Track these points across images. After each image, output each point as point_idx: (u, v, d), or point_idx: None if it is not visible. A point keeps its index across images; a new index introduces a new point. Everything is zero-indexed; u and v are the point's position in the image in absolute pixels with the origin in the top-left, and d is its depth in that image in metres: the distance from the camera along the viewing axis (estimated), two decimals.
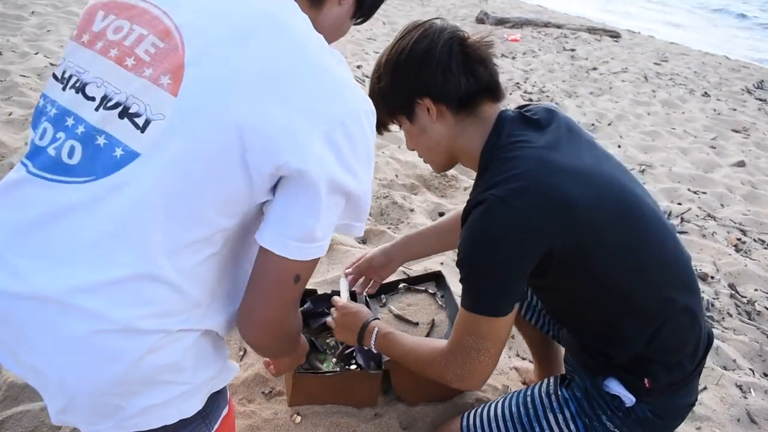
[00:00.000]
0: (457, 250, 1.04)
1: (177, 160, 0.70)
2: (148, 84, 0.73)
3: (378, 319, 1.34)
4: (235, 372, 0.94)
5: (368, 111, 0.79)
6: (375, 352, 1.31)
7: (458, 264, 1.05)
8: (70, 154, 0.73)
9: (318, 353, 1.62)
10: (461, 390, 1.53)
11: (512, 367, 1.84)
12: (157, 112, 0.71)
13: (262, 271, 0.79)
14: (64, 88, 0.78)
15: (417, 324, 1.66)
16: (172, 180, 0.70)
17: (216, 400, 0.91)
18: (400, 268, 2.22)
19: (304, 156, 0.72)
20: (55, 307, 0.69)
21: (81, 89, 0.76)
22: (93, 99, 0.75)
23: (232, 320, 0.87)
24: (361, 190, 0.82)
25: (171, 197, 0.71)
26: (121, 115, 0.73)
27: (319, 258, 0.79)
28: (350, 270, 1.59)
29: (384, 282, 1.75)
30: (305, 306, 1.69)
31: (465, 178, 3.21)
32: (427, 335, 1.61)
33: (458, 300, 1.51)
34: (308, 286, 1.93)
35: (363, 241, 2.53)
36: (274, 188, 0.76)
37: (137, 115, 0.72)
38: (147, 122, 0.72)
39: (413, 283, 1.85)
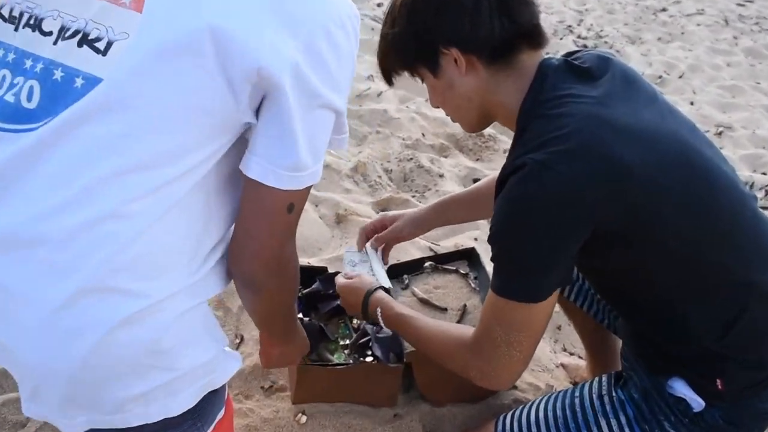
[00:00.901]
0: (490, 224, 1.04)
1: (146, 78, 0.73)
2: (107, 5, 0.76)
3: (385, 289, 1.34)
4: (237, 363, 0.95)
5: (352, 15, 0.83)
6: (392, 339, 1.37)
7: (490, 239, 1.05)
8: (29, 97, 0.76)
9: (328, 342, 1.62)
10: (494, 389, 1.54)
11: (559, 363, 1.84)
12: (120, 32, 0.74)
13: (252, 204, 0.83)
14: (16, 29, 0.81)
15: (445, 310, 1.65)
16: (142, 102, 0.73)
17: (210, 399, 0.93)
18: (427, 243, 2.23)
19: (281, 66, 0.76)
20: (16, 255, 0.73)
21: (37, 26, 0.79)
22: (50, 33, 0.78)
23: (223, 277, 0.89)
24: (345, 104, 0.87)
25: (140, 124, 0.73)
26: (80, 44, 0.76)
27: (312, 185, 0.83)
28: (373, 241, 1.61)
29: (407, 261, 1.79)
30: (313, 286, 1.69)
31: (504, 139, 3.18)
32: (458, 322, 1.62)
33: None
34: (317, 263, 2.00)
35: (382, 208, 2.54)
36: (257, 112, 0.80)
37: (97, 39, 0.74)
38: (109, 44, 0.74)
39: (442, 261, 1.82)
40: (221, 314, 1.86)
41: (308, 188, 0.84)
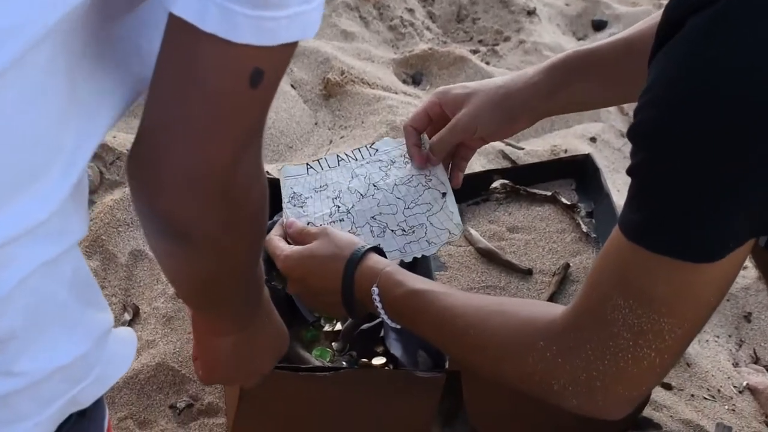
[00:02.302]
0: (633, 111, 1.03)
1: None
2: None
3: (376, 250, 1.37)
4: (127, 361, 0.99)
5: None
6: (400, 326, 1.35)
7: (633, 136, 1.03)
8: None
9: (301, 327, 1.56)
10: (593, 417, 1.31)
11: (745, 385, 1.78)
12: None
13: (181, 73, 0.83)
14: None
15: (529, 272, 1.59)
16: None
17: (80, 422, 0.96)
18: (497, 143, 2.15)
19: None
20: None
21: None
22: None
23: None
24: None
25: None
26: None
27: (297, 42, 0.83)
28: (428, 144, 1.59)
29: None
30: (275, 218, 1.58)
31: None
32: (549, 300, 1.53)
33: None
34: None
35: (417, 81, 2.47)
36: None
37: None
38: None
39: (525, 179, 1.76)
40: (98, 266, 1.77)
41: (289, 47, 0.82)
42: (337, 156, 1.58)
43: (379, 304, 1.30)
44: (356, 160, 1.59)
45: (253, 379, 1.34)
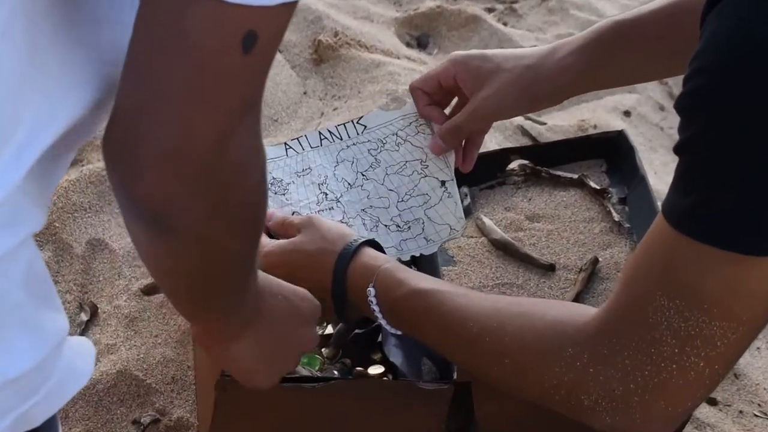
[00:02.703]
0: (682, 84, 1.00)
1: None
2: None
3: (372, 243, 1.37)
4: (87, 371, 0.97)
5: None
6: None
7: (682, 107, 1.00)
8: None
9: None
10: None
11: None
12: None
13: (163, 36, 0.80)
14: None
15: (552, 268, 1.56)
16: None
17: None
18: (516, 118, 2.15)
19: None
20: None
21: None
22: None
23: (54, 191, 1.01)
24: None
25: None
26: None
27: (296, 4, 0.82)
28: (444, 132, 1.54)
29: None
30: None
31: None
32: (574, 300, 1.49)
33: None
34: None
35: (423, 44, 2.50)
36: None
37: None
38: None
39: (548, 159, 1.74)
40: (50, 258, 1.77)
41: (288, 7, 0.80)
42: (319, 133, 1.55)
43: (375, 307, 1.27)
44: (341, 139, 1.55)
45: (297, 358, 1.33)
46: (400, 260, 1.40)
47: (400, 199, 1.48)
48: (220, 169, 0.85)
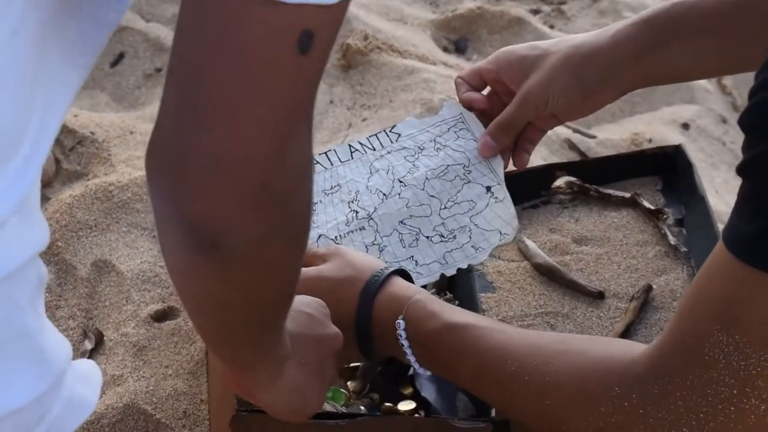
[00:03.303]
0: (747, 97, 1.03)
1: None
2: None
3: (402, 273, 1.38)
4: (91, 402, 1.01)
5: None
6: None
7: (748, 124, 1.01)
8: None
9: None
10: None
11: None
12: None
13: (213, 37, 0.82)
14: None
15: (601, 296, 1.57)
16: None
17: None
18: (564, 129, 2.18)
19: None
20: None
21: None
22: None
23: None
24: None
25: None
26: None
27: (350, 1, 0.85)
28: (492, 133, 1.54)
29: (514, 171, 1.68)
30: None
31: None
32: (625, 331, 1.50)
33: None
34: None
35: (461, 49, 2.55)
36: None
37: None
38: None
39: (597, 176, 1.75)
40: (52, 280, 1.76)
41: (344, 4, 0.82)
42: (350, 146, 1.53)
43: (405, 341, 1.28)
44: (374, 149, 1.54)
45: (327, 388, 1.33)
46: (442, 277, 1.43)
47: (443, 206, 1.48)
48: (280, 177, 0.86)
